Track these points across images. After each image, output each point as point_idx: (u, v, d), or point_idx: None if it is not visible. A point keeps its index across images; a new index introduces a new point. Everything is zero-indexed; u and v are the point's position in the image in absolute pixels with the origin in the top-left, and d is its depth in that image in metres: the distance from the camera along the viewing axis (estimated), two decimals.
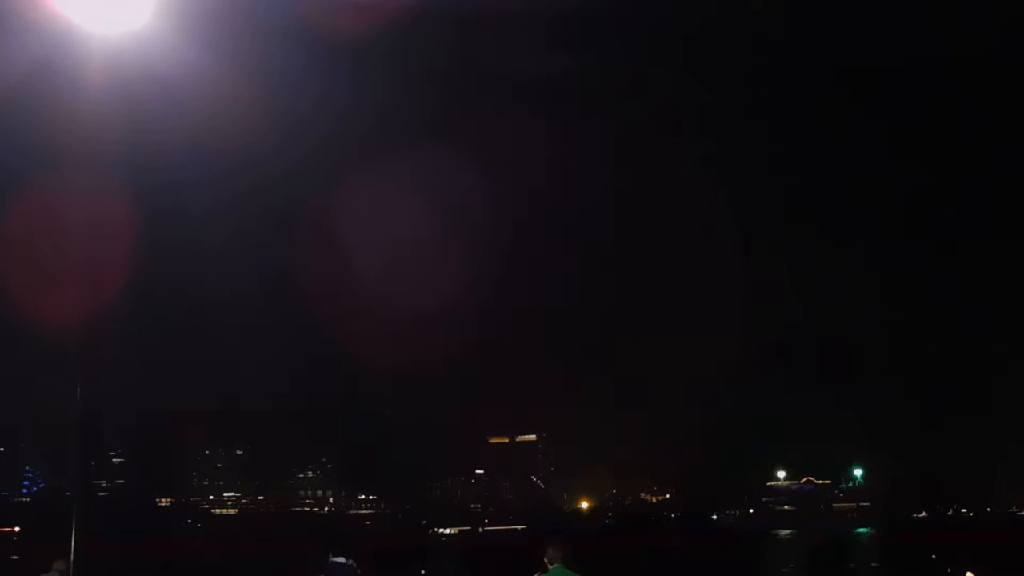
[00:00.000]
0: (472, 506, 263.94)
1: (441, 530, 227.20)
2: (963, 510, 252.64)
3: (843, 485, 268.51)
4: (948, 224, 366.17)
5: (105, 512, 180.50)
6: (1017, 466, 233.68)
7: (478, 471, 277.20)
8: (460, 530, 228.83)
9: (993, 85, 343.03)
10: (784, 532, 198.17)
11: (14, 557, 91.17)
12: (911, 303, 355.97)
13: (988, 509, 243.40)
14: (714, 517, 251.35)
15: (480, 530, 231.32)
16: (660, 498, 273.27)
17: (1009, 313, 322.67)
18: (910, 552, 72.61)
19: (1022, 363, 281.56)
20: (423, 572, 66.77)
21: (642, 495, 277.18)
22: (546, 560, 12.51)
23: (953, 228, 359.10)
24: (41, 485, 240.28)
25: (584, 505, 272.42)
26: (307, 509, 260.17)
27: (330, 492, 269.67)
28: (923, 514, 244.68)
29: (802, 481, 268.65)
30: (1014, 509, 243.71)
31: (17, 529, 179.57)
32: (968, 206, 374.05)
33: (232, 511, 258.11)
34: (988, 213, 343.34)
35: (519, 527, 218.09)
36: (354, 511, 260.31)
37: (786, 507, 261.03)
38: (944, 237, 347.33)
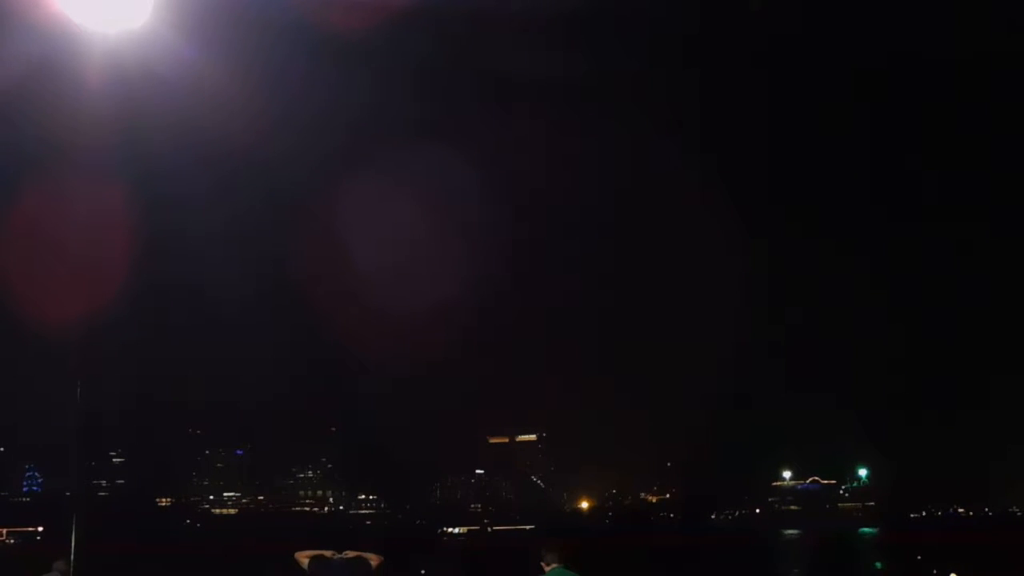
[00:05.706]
0: (472, 506, 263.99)
1: (450, 530, 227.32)
2: (960, 510, 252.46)
3: (849, 485, 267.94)
4: (948, 224, 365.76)
5: (105, 512, 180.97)
6: (1016, 466, 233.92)
7: (478, 471, 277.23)
8: (469, 530, 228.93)
9: (993, 85, 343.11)
10: (790, 532, 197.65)
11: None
12: (911, 303, 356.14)
13: (987, 509, 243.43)
14: (713, 517, 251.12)
15: (489, 530, 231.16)
16: (660, 498, 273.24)
17: (1009, 313, 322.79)
18: (904, 552, 72.59)
19: (1022, 363, 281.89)
20: (423, 572, 66.56)
21: (642, 495, 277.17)
22: (543, 564, 12.34)
23: (953, 228, 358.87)
24: (39, 488, 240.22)
25: (584, 505, 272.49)
26: (307, 509, 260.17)
27: (330, 492, 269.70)
28: (922, 514, 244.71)
29: (808, 481, 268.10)
30: (1013, 509, 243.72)
31: (41, 528, 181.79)
32: (968, 206, 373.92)
33: (232, 511, 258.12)
34: (988, 213, 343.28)
35: (527, 527, 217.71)
36: (354, 511, 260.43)
37: (792, 507, 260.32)
38: (944, 237, 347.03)
